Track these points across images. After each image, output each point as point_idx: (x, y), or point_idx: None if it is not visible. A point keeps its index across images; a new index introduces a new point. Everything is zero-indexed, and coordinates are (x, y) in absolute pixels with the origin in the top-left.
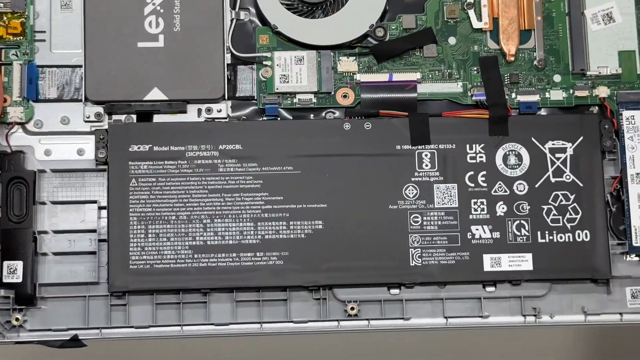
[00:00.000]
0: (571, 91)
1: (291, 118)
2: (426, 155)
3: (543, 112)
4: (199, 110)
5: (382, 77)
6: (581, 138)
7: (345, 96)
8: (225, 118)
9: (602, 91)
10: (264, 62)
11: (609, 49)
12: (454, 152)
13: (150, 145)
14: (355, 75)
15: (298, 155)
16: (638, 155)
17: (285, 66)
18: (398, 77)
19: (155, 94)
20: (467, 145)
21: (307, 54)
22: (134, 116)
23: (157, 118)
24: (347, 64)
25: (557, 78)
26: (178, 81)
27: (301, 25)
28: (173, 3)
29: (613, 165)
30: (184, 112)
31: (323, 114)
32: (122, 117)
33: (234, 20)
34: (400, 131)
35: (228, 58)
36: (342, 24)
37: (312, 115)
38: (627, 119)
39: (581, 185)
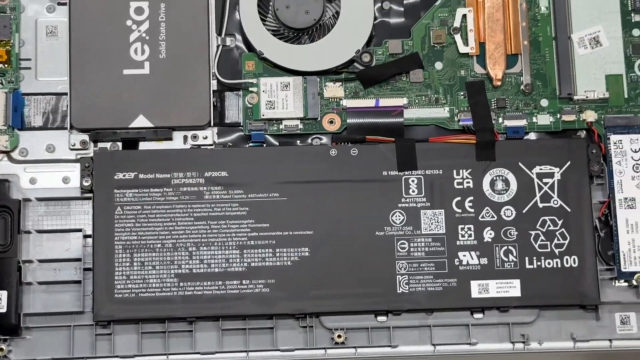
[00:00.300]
0: (558, 115)
1: (277, 144)
2: (413, 181)
3: (530, 136)
4: (185, 137)
5: (369, 102)
6: (569, 163)
7: (331, 122)
8: (211, 145)
9: (590, 115)
10: (250, 89)
11: (596, 73)
12: (441, 178)
13: (136, 173)
14: (341, 101)
15: (284, 182)
16: (626, 179)
17: (271, 92)
18: (384, 102)
19: (141, 121)
20: (454, 171)
21: (293, 80)
22: (120, 144)
23: (143, 145)
24: (333, 89)
25: (544, 102)
26: (164, 108)
27: (287, 51)
28: (159, 30)
29: (601, 189)
30: (170, 139)
31: (309, 140)
32: (108, 145)
33: (220, 47)
34: (386, 157)
35: (214, 84)
36: (328, 50)
37: (298, 142)
38: (615, 143)
39: (569, 210)
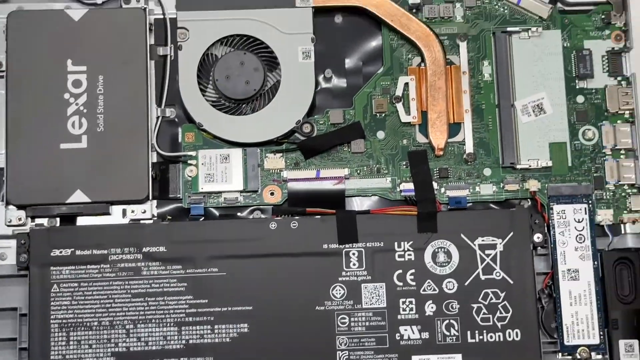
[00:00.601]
0: (501, 185)
1: (218, 216)
2: (354, 253)
3: (473, 207)
4: (124, 211)
5: (310, 173)
6: (511, 234)
7: (272, 194)
8: (150, 219)
9: (533, 185)
10: (189, 162)
11: (540, 140)
12: (382, 250)
13: (73, 249)
14: (282, 172)
15: (223, 257)
16: (569, 250)
17: (210, 165)
18: (326, 173)
19: (78, 196)
20: (396, 243)
21: (233, 151)
22: (58, 219)
23: (81, 220)
24: (273, 160)
25: (487, 172)
26: (101, 182)
27: (227, 123)
28: (97, 102)
29: (544, 260)
30: (108, 213)
31: (249, 213)
32: (45, 221)
33: (160, 118)
34: (327, 229)
35: (153, 156)
36: (269, 120)
37: (239, 214)
38: (558, 213)
39: (511, 282)
